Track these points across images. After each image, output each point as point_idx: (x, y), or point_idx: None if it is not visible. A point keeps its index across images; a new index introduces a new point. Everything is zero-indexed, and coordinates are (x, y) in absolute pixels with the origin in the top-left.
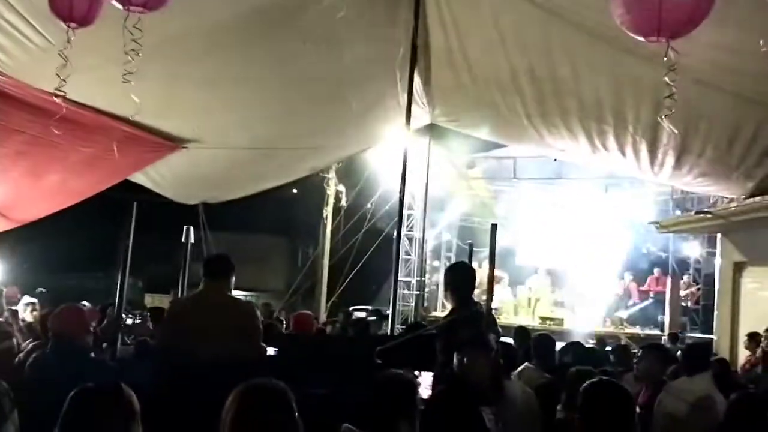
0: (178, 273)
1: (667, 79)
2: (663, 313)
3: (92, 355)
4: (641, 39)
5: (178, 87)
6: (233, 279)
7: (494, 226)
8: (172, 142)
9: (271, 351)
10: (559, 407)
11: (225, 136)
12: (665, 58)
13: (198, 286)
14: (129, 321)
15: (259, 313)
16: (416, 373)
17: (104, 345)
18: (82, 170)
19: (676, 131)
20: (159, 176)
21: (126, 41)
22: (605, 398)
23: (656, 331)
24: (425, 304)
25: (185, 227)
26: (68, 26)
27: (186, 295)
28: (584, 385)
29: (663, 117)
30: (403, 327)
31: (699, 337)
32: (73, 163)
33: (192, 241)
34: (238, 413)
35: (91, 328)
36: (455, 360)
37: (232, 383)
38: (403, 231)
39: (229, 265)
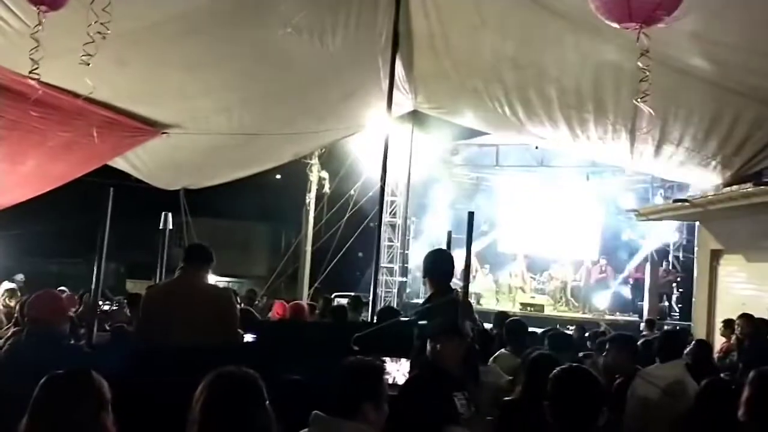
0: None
1: (640, 63)
2: (642, 300)
3: (70, 341)
4: (616, 25)
5: (159, 72)
6: (210, 269)
7: (471, 214)
8: (153, 128)
9: (248, 337)
10: (518, 389)
11: (206, 122)
12: (637, 44)
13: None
14: (106, 307)
15: (237, 299)
16: (395, 359)
17: (82, 331)
18: (60, 155)
19: (653, 113)
20: (139, 162)
21: (91, 23)
22: (574, 384)
23: (635, 318)
24: (408, 290)
25: (163, 213)
26: (39, 9)
27: (163, 281)
28: (554, 371)
29: (638, 99)
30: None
31: (677, 324)
32: (52, 147)
33: (170, 227)
34: (208, 401)
35: (69, 315)
36: (428, 346)
37: (207, 370)
38: (386, 218)
39: (209, 254)
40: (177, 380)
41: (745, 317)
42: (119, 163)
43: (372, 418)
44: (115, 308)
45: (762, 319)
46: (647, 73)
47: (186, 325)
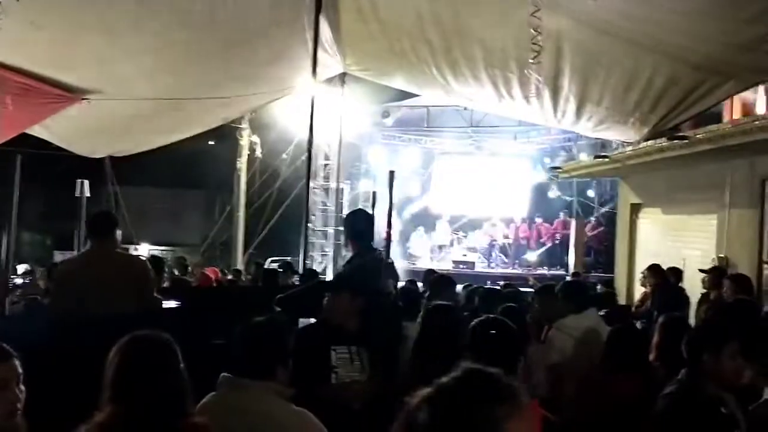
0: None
1: (531, 29)
2: (568, 255)
3: None
4: None
5: (76, 36)
6: (117, 234)
7: (392, 173)
8: (72, 94)
9: (172, 303)
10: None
11: (128, 87)
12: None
13: None
14: (18, 280)
15: (166, 268)
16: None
17: None
18: None
19: (540, 80)
20: (60, 129)
21: None
22: (490, 334)
23: (562, 272)
24: (343, 254)
25: (79, 181)
26: None
27: (75, 255)
28: (473, 323)
29: (531, 60)
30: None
31: (601, 276)
32: None
33: (88, 194)
34: (120, 365)
35: None
36: (324, 302)
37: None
38: (320, 181)
39: (111, 221)
40: (93, 350)
41: (652, 268)
42: (38, 130)
43: (282, 377)
44: (27, 281)
45: (671, 268)
46: (539, 34)
47: (102, 296)
